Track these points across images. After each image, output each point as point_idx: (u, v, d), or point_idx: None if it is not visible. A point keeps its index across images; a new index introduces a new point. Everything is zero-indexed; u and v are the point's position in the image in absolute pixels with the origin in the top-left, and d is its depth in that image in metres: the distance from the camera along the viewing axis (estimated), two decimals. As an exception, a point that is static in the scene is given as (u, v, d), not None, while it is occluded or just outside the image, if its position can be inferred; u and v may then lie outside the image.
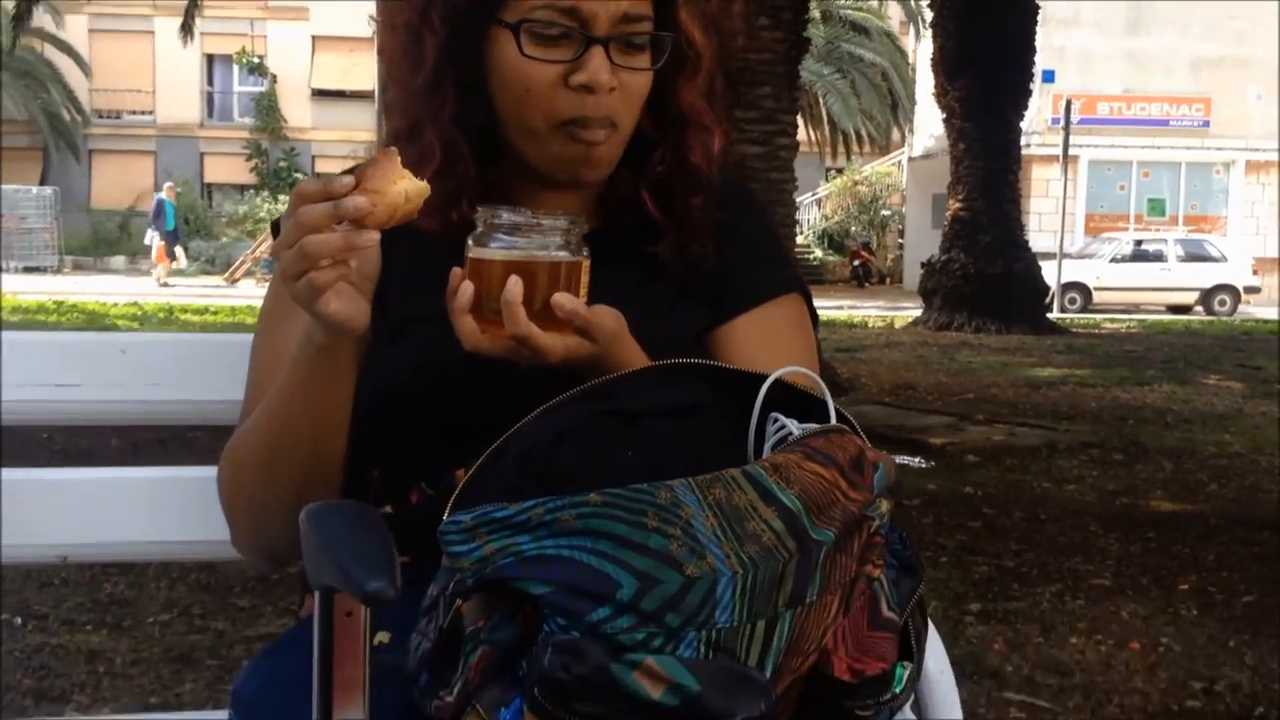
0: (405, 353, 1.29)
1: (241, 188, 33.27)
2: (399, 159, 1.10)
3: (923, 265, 17.45)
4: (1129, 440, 7.59)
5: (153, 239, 24.67)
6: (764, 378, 1.08)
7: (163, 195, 25.25)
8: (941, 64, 15.94)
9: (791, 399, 1.09)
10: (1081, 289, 23.51)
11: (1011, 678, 3.46)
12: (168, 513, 1.47)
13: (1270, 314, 21.60)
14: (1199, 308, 23.68)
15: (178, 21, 20.87)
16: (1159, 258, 24.21)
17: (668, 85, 1.32)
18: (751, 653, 0.92)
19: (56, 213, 28.62)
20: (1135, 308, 23.30)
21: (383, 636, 1.17)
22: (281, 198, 31.43)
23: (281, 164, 33.34)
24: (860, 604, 0.98)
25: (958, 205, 16.34)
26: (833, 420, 1.05)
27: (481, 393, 1.27)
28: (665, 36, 1.29)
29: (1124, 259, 24.07)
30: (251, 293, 21.30)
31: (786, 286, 1.39)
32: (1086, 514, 5.56)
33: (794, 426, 1.02)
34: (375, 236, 1.08)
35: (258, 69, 33.97)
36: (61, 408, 1.48)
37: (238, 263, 25.63)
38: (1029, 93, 16.15)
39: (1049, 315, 17.67)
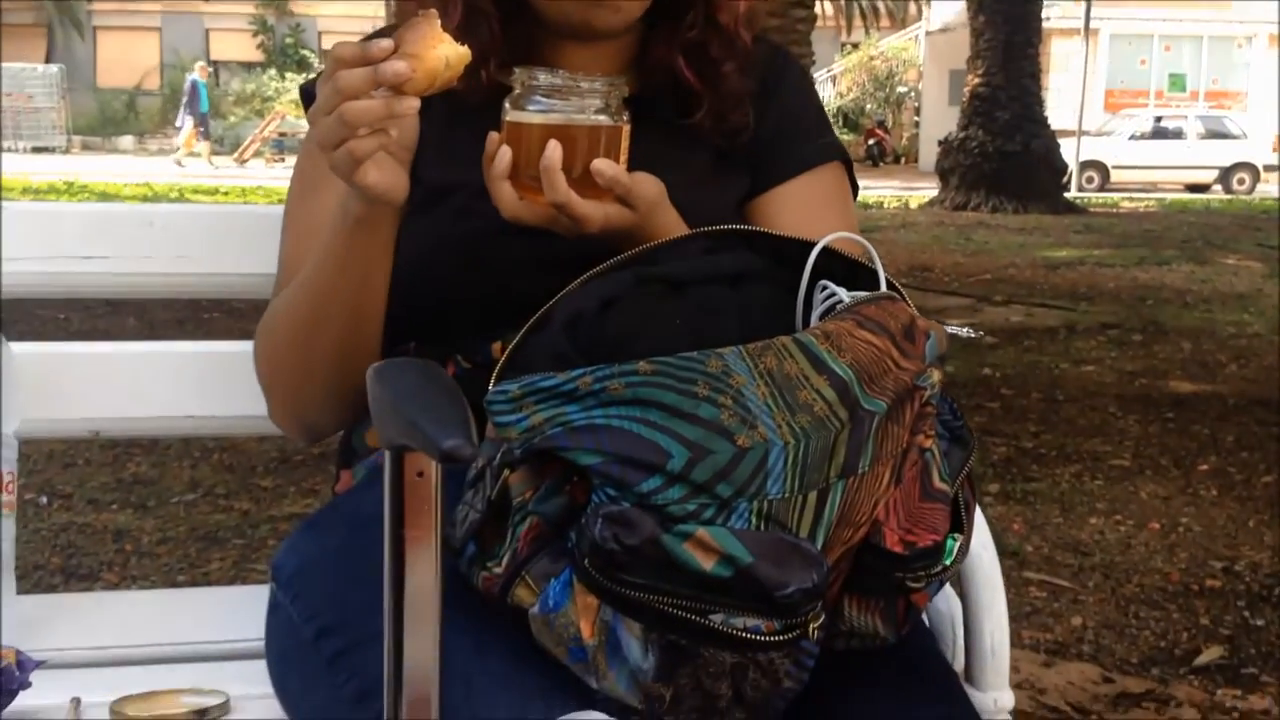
0: (439, 222, 1.27)
1: (248, 65, 32.84)
2: (439, 22, 1.06)
3: (940, 143, 17.24)
4: (1147, 321, 7.56)
5: (185, 122, 24.27)
6: (812, 244, 1.05)
7: (196, 76, 24.67)
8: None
9: (839, 266, 1.06)
10: (1099, 167, 23.24)
11: (1031, 558, 3.48)
12: (205, 388, 1.46)
13: (1289, 193, 21.38)
14: (1217, 186, 23.41)
15: (180, -108, 20.38)
16: (1178, 135, 23.88)
17: None
18: (803, 524, 0.91)
19: (63, 91, 28.31)
20: (1153, 186, 23.04)
21: (422, 509, 1.16)
22: (289, 75, 31.09)
23: (288, 40, 32.86)
24: (912, 475, 0.96)
25: (976, 80, 16.07)
26: (883, 288, 1.02)
27: (518, 263, 1.25)
28: None
29: (1143, 136, 23.75)
30: (261, 173, 21.18)
31: (828, 155, 1.36)
32: (1105, 395, 5.55)
33: (844, 294, 1.00)
34: (416, 104, 1.05)
35: (263, -58, 33.31)
36: (90, 279, 1.46)
37: (246, 142, 25.44)
38: (1050, -38, 15.79)
39: (1066, 195, 17.49)
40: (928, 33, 29.74)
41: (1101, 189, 22.54)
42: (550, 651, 0.94)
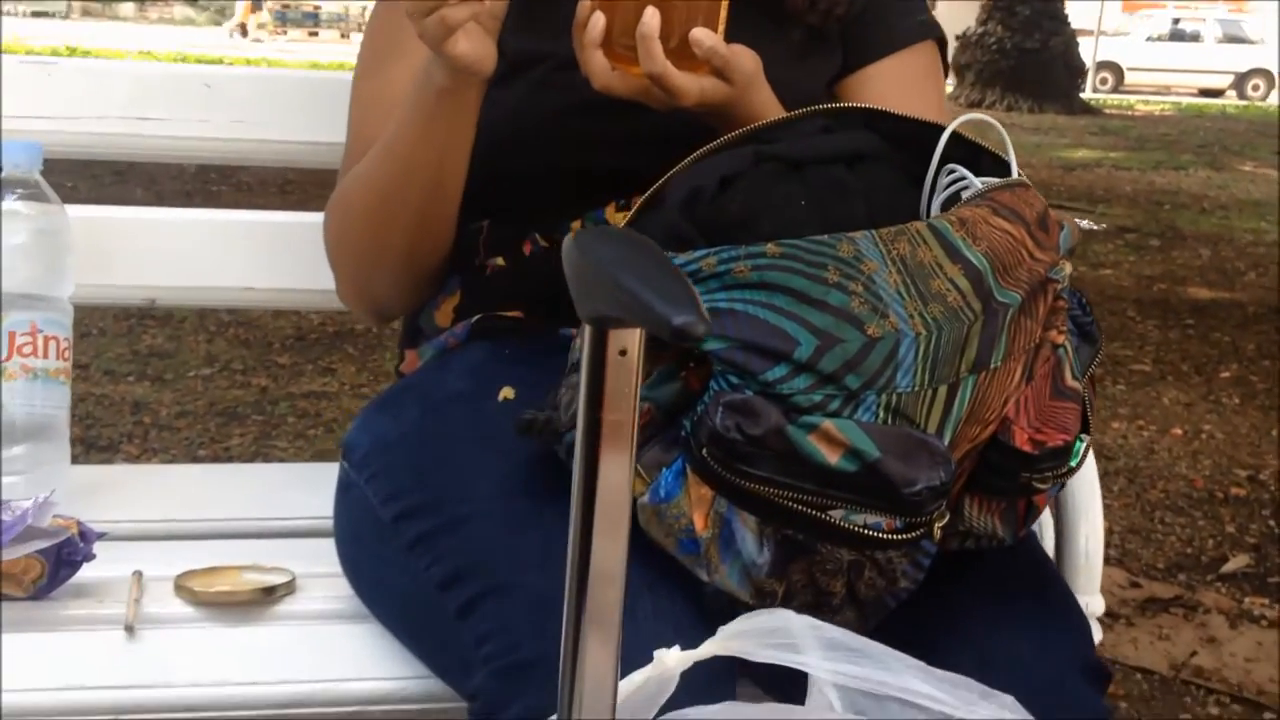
0: (520, 95, 1.21)
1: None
2: None
3: (957, 38, 16.94)
4: (1165, 225, 7.49)
5: None
6: (937, 126, 1.00)
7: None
8: None
9: (959, 151, 1.01)
10: (1114, 69, 22.92)
11: (1055, 458, 3.46)
12: (265, 259, 1.41)
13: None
14: (1231, 91, 23.12)
15: None
16: (1195, 38, 23.52)
17: None
18: (931, 420, 0.86)
19: (63, -45, 27.76)
20: (1166, 90, 22.73)
21: (507, 392, 1.12)
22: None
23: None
24: (1043, 372, 0.91)
25: (999, -27, 15.76)
26: (1015, 174, 0.96)
27: (602, 139, 1.19)
28: None
29: (1160, 38, 23.39)
30: (262, 46, 20.83)
31: (924, 33, 1.30)
32: (1124, 299, 5.50)
33: (974, 180, 0.94)
34: None
35: None
36: (144, 142, 1.40)
37: (240, 13, 25.04)
38: None
39: (1081, 95, 17.25)
40: (946, -76, 29.05)
41: (1115, 90, 22.25)
42: (658, 543, 0.90)
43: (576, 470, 0.54)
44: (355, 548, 1.16)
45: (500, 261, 1.24)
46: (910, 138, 1.00)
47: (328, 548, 1.24)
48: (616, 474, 0.53)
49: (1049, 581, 1.02)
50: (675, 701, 0.70)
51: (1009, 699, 0.67)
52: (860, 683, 0.63)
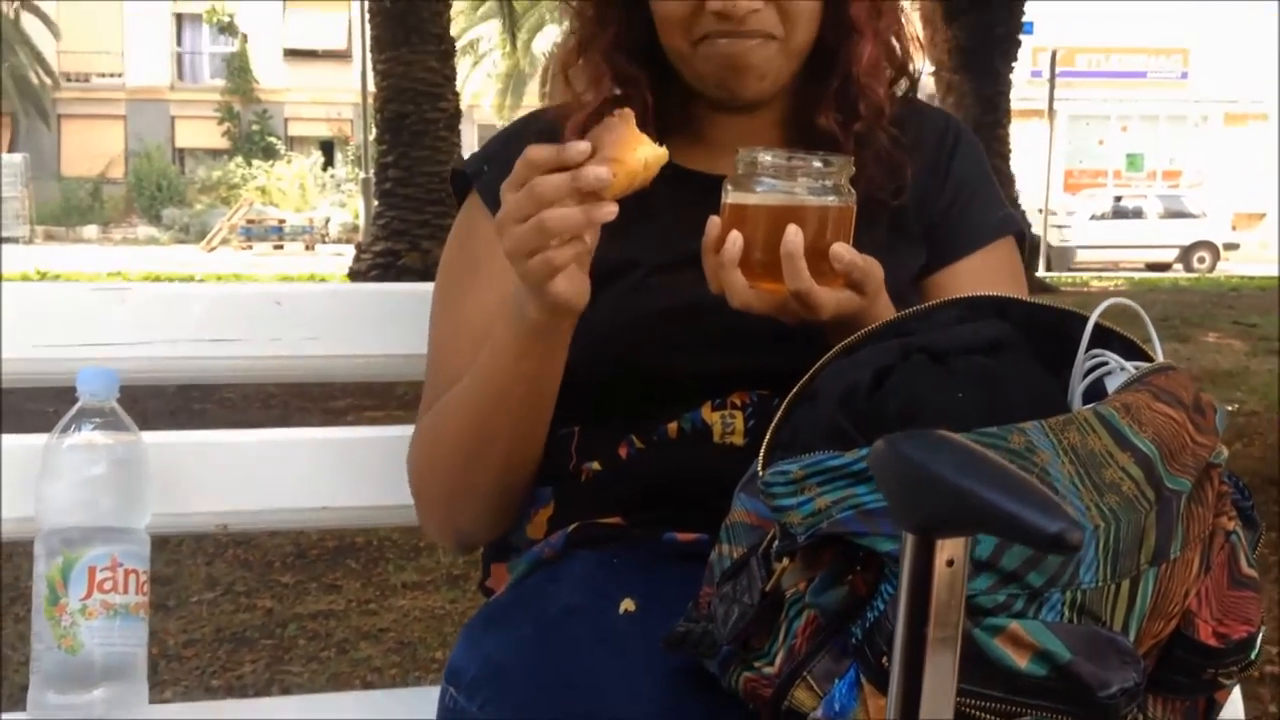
0: (610, 303, 1.20)
1: (214, 152, 32.82)
2: (634, 120, 1.02)
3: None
4: (1143, 398, 7.52)
5: None
6: (1068, 312, 0.99)
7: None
8: (932, 13, 15.75)
9: (1092, 337, 1.00)
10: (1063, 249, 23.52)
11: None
12: (340, 477, 1.37)
13: (1249, 270, 21.65)
14: (1178, 265, 23.71)
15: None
16: (1138, 214, 24.22)
17: None
18: (1115, 616, 0.83)
19: (26, 180, 28.15)
20: (1115, 265, 23.26)
21: (629, 604, 1.08)
22: (255, 162, 31.12)
23: (254, 127, 32.89)
24: (1220, 560, 0.89)
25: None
26: (1159, 357, 0.96)
27: (704, 342, 1.19)
28: None
29: (1104, 216, 24.07)
30: (230, 261, 21.07)
31: (1005, 228, 1.31)
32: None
33: (1125, 364, 0.93)
34: (614, 210, 1.00)
35: (228, 28, 33.35)
36: (217, 364, 1.37)
37: (214, 231, 25.41)
38: (1018, 43, 15.96)
39: (1037, 274, 17.63)
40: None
41: (1066, 269, 22.75)
42: (833, 760, 0.86)
43: (894, 692, 0.51)
44: (477, 781, 1.09)
45: (596, 466, 1.21)
46: (1041, 325, 1.00)
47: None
48: (943, 695, 0.50)
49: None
50: None
51: None
52: None
